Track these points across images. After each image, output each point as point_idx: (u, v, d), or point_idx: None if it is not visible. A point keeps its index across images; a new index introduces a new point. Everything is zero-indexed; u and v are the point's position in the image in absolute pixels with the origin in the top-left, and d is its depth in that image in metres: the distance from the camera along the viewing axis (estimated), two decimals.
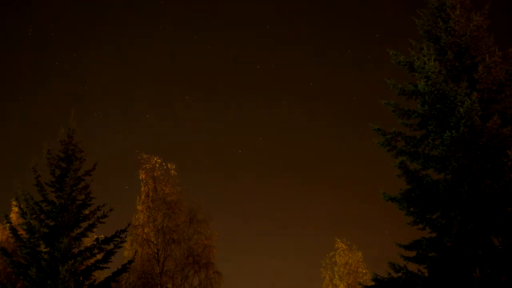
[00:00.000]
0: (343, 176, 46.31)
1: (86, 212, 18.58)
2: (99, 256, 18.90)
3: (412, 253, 14.32)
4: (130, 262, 19.05)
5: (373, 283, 14.35)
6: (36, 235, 17.29)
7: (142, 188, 26.02)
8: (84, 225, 18.46)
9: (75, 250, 17.70)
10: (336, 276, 28.59)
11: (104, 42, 46.65)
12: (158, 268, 24.59)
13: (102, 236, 19.25)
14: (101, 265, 18.44)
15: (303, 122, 47.64)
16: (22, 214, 17.70)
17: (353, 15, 46.37)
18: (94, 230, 18.68)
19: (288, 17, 47.39)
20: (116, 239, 18.58)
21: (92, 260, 19.15)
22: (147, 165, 26.30)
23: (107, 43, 46.76)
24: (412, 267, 13.98)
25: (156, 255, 24.81)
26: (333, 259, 29.08)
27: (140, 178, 26.22)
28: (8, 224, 18.20)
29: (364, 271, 28.40)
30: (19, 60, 45.58)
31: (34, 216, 17.51)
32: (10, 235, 18.78)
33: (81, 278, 17.75)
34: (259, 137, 46.45)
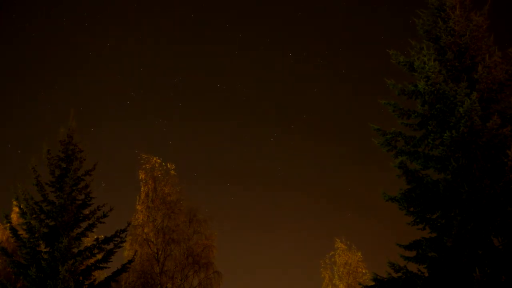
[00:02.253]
0: (343, 176, 46.34)
1: (86, 212, 18.59)
2: (99, 256, 18.89)
3: (412, 253, 14.33)
4: (130, 262, 19.05)
5: (373, 283, 14.36)
6: (36, 235, 17.29)
7: (142, 188, 26.02)
8: (84, 225, 18.47)
9: (75, 250, 17.69)
10: (336, 276, 28.60)
11: (104, 42, 46.70)
12: (158, 268, 24.59)
13: (102, 236, 19.27)
14: (101, 265, 18.45)
15: (302, 121, 47.81)
16: (22, 214, 17.69)
17: (353, 15, 46.38)
18: (94, 230, 18.68)
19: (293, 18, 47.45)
20: (116, 239, 18.58)
21: (92, 260, 19.15)
22: (147, 165, 26.31)
23: (108, 43, 46.77)
24: (412, 267, 14.00)
25: (156, 255, 24.81)
26: (333, 259, 29.14)
27: (140, 178, 26.22)
28: (8, 224, 18.20)
29: (363, 271, 28.43)
30: (20, 61, 45.63)
31: (34, 216, 17.50)
32: (10, 235, 18.77)
33: (81, 278, 17.75)
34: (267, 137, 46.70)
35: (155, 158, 26.53)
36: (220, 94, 45.84)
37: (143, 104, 46.18)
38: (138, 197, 25.95)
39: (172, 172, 26.35)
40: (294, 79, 47.04)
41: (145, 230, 25.03)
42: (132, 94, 45.61)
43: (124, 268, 18.65)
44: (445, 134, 13.33)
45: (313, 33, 46.75)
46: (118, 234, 18.61)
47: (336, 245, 29.26)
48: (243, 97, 46.22)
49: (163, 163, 26.46)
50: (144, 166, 26.27)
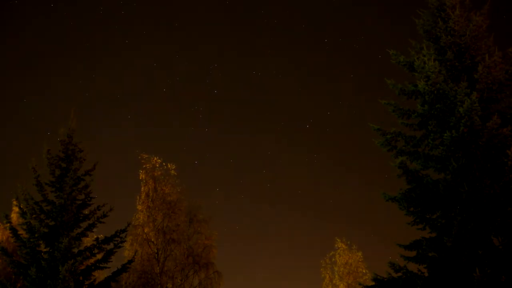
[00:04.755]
0: (343, 176, 46.32)
1: (86, 212, 18.58)
2: (99, 256, 18.89)
3: (412, 253, 14.33)
4: (130, 262, 19.04)
5: (373, 283, 14.36)
6: (36, 235, 17.29)
7: (142, 188, 26.00)
8: (84, 225, 18.46)
9: (75, 250, 17.67)
10: (336, 276, 28.57)
11: (104, 43, 46.70)
12: (158, 268, 24.58)
13: (102, 236, 19.25)
14: (101, 265, 18.44)
15: (303, 119, 47.86)
16: (22, 214, 17.69)
17: (353, 15, 46.36)
18: (94, 230, 18.67)
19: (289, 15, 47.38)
20: (116, 239, 18.58)
21: (92, 260, 19.15)
22: (147, 165, 26.28)
23: (107, 43, 46.78)
24: (412, 267, 14.01)
25: (156, 255, 24.81)
26: (333, 259, 29.06)
27: (140, 178, 26.18)
28: (8, 224, 18.19)
29: (364, 271, 28.38)
30: (20, 60, 45.61)
31: (34, 216, 17.50)
32: (10, 235, 18.78)
33: (81, 278, 17.75)
34: (266, 133, 46.81)
35: (155, 158, 26.52)
36: (255, 80, 45.97)
37: (179, 91, 46.41)
38: (138, 197, 25.93)
39: (172, 172, 26.34)
40: (334, 64, 46.98)
41: (145, 230, 25.01)
42: (168, 82, 45.82)
43: (124, 268, 18.64)
44: (445, 134, 13.33)
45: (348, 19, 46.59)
46: (118, 234, 18.61)
47: (336, 245, 29.22)
48: (279, 84, 46.36)
49: (164, 163, 26.48)
50: (144, 166, 26.26)
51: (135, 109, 47.49)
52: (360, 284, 16.16)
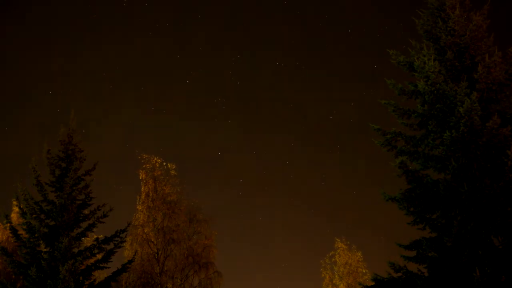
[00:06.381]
0: (343, 176, 46.30)
1: (86, 212, 18.57)
2: (99, 256, 18.89)
3: (412, 253, 14.34)
4: (130, 262, 19.04)
5: (373, 283, 14.37)
6: (36, 235, 17.29)
7: (142, 188, 26.03)
8: (84, 225, 18.46)
9: (75, 250, 17.68)
10: (336, 276, 28.61)
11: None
12: (158, 268, 24.60)
13: (102, 236, 19.26)
14: (101, 265, 18.44)
15: (304, 119, 47.85)
16: (22, 214, 17.70)
17: (353, 15, 46.35)
18: (94, 230, 18.66)
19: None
20: (116, 239, 18.58)
21: (92, 260, 19.16)
22: (147, 165, 26.32)
23: (109, 42, 46.75)
24: (412, 267, 14.02)
25: (156, 255, 24.82)
26: (333, 259, 29.14)
27: (140, 178, 26.22)
28: (8, 224, 18.19)
29: (364, 271, 28.45)
30: (20, 60, 45.54)
31: (34, 216, 17.49)
32: (10, 235, 18.78)
33: (81, 278, 17.74)
34: (265, 132, 46.88)
35: (155, 158, 26.58)
36: (278, 72, 45.99)
37: (202, 82, 46.59)
38: (138, 197, 25.97)
39: (172, 172, 26.39)
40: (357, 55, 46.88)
41: (145, 230, 25.04)
42: (192, 73, 45.99)
43: (124, 268, 18.64)
44: (445, 134, 13.33)
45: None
46: (118, 234, 18.60)
47: (336, 245, 29.28)
48: (302, 75, 46.34)
49: (164, 163, 26.52)
50: (144, 166, 26.31)
51: (158, 101, 47.60)
52: (360, 284, 16.16)
